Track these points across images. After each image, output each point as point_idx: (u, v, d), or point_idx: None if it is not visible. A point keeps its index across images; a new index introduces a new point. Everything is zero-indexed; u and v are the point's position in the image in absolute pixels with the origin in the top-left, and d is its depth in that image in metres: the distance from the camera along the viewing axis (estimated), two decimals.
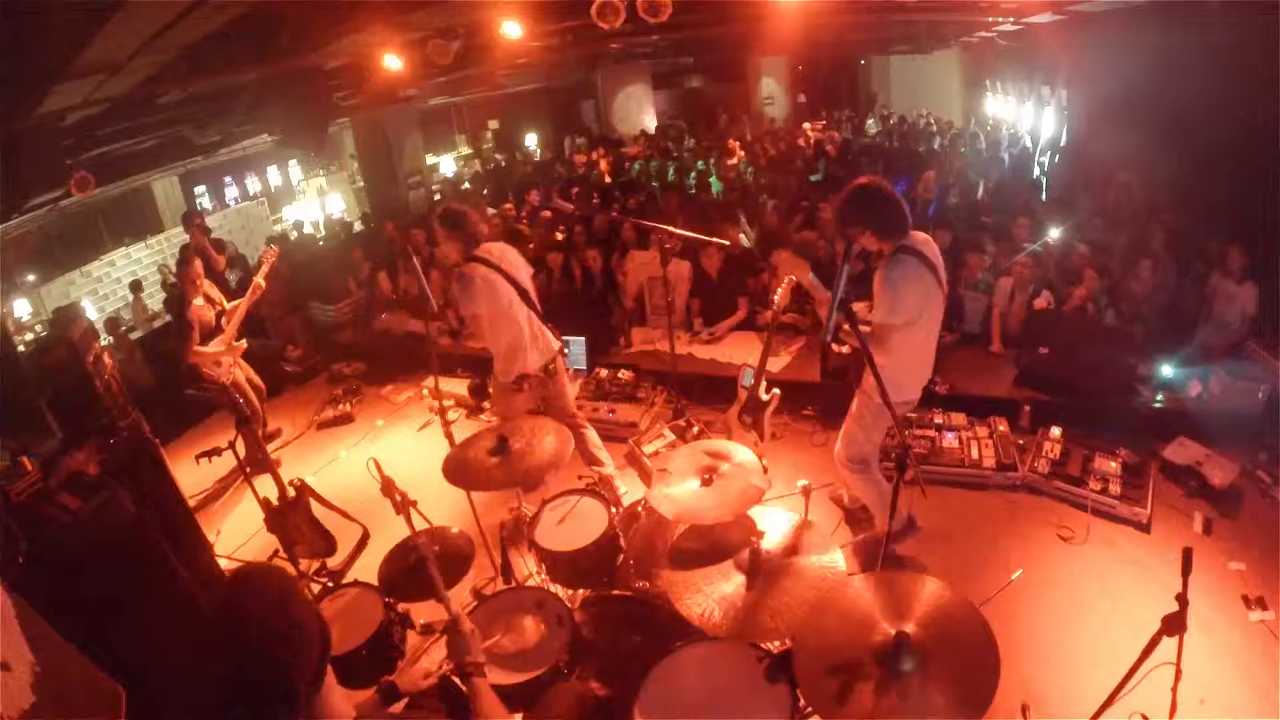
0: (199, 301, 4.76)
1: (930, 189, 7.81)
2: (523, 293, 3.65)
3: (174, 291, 4.89)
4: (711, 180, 9.52)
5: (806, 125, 12.41)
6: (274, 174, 13.62)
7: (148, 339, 8.25)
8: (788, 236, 6.57)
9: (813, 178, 8.82)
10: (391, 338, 6.56)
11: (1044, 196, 7.65)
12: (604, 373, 5.26)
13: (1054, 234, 5.54)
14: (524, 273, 3.75)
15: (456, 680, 2.03)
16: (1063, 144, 8.70)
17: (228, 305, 4.89)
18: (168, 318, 8.12)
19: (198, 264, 4.83)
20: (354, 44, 5.91)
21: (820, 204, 6.74)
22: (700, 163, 10.06)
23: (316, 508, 3.92)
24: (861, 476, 3.44)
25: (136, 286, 9.21)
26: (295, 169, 13.84)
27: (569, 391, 4.05)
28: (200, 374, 4.73)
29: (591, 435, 4.12)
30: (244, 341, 4.94)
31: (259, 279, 4.90)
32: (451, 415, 5.43)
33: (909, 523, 3.67)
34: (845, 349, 3.33)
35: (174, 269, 5.18)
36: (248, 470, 3.92)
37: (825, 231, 6.15)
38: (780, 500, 3.57)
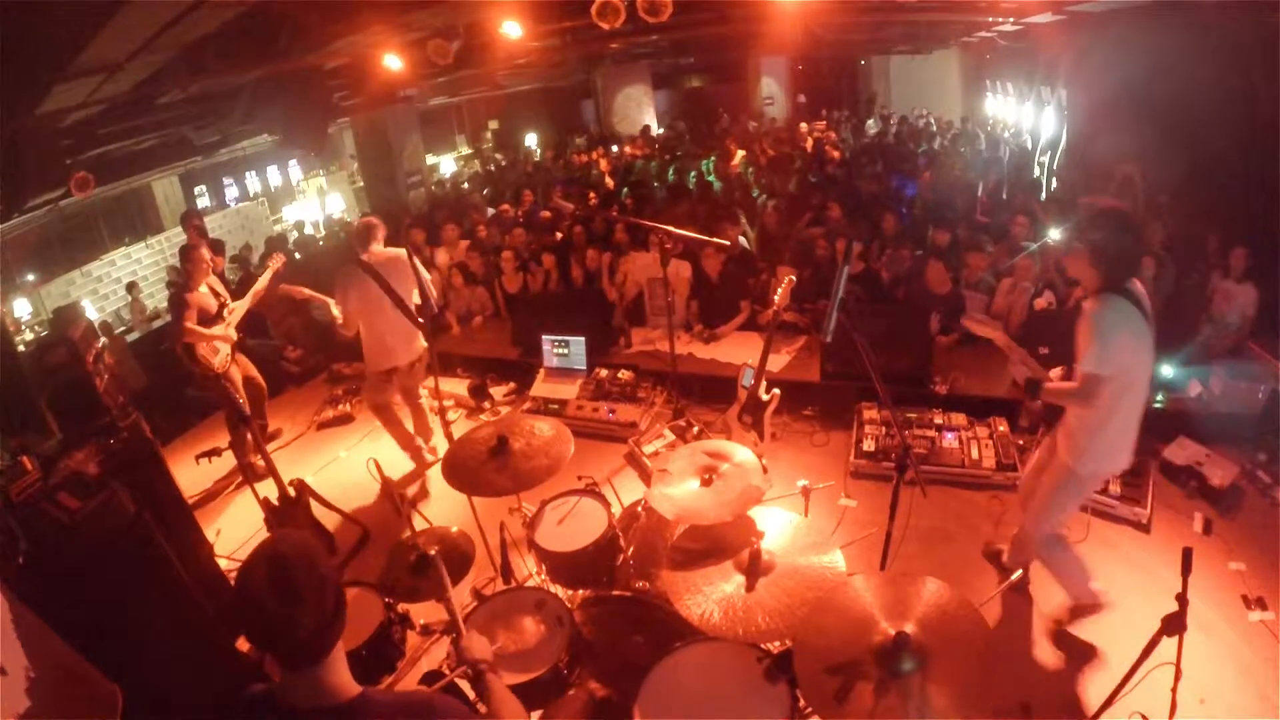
0: (202, 289, 4.75)
1: (928, 189, 7.82)
2: (398, 300, 3.99)
3: (176, 285, 4.86)
4: (711, 180, 9.53)
5: (803, 126, 12.39)
6: (274, 174, 13.63)
7: (145, 339, 8.26)
8: (796, 234, 6.56)
9: (811, 178, 8.83)
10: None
11: (1042, 196, 7.65)
12: (604, 373, 5.26)
13: (1054, 234, 5.53)
14: (407, 282, 4.16)
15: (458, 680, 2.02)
16: (1062, 144, 8.71)
17: (232, 303, 4.88)
18: (168, 318, 8.11)
19: (204, 250, 4.81)
20: (354, 44, 5.91)
21: (830, 204, 6.72)
22: (705, 163, 10.05)
23: (316, 508, 3.93)
24: (1054, 554, 3.02)
25: (132, 286, 9.20)
26: (295, 169, 13.85)
27: (419, 382, 4.73)
28: (195, 356, 4.70)
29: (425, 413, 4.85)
30: (235, 334, 4.90)
31: (260, 284, 4.89)
32: (451, 415, 5.43)
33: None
34: (1037, 403, 2.96)
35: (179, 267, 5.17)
36: (246, 473, 3.92)
37: (832, 231, 6.14)
38: (780, 500, 3.56)
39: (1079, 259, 2.60)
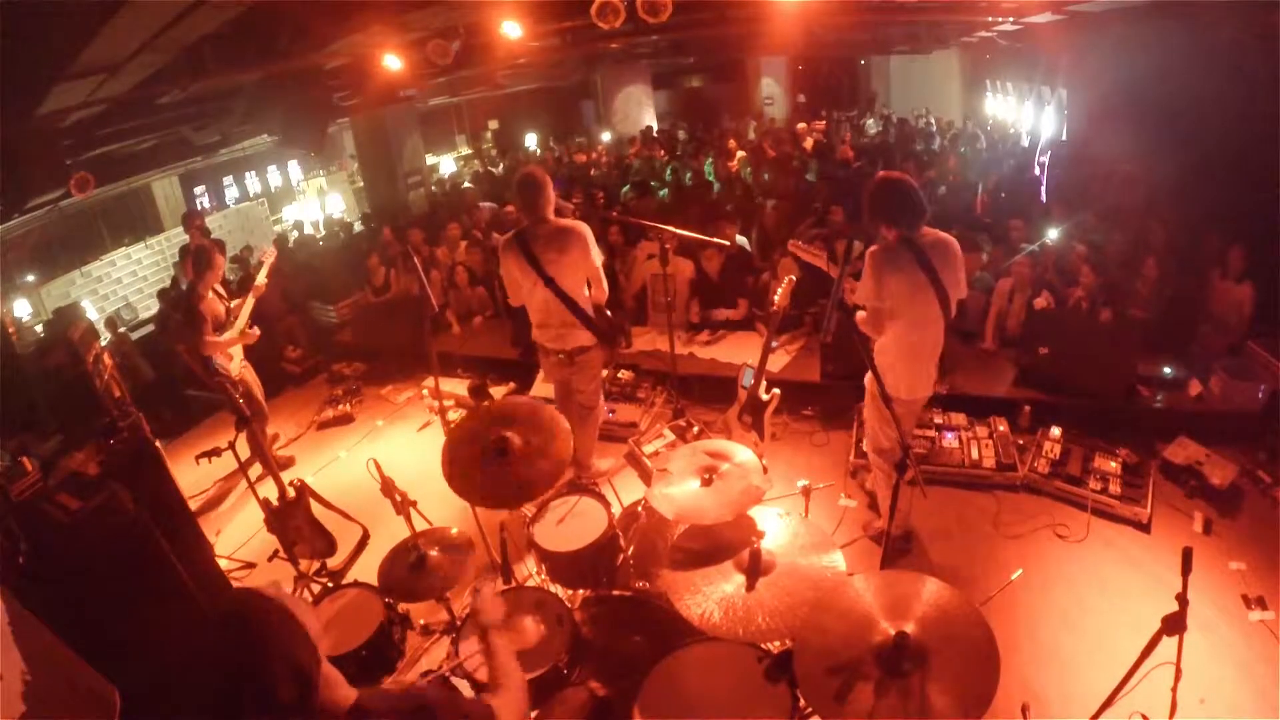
0: (210, 296, 4.74)
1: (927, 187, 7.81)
2: (548, 279, 3.64)
3: (187, 290, 4.83)
4: (712, 180, 9.52)
5: (801, 125, 12.37)
6: (274, 174, 13.62)
7: (149, 336, 8.26)
8: (798, 235, 6.56)
9: (809, 177, 8.81)
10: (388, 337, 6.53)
11: (1043, 196, 7.65)
12: (604, 373, 5.25)
13: (1053, 234, 5.54)
14: (562, 260, 3.63)
15: (454, 680, 2.03)
16: (1062, 144, 8.70)
17: (232, 304, 4.88)
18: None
19: (217, 254, 4.81)
20: (354, 44, 5.92)
21: (831, 205, 6.72)
22: (708, 164, 10.03)
23: (316, 508, 3.92)
24: (883, 471, 3.51)
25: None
26: (295, 169, 13.84)
27: (589, 386, 4.08)
28: (213, 366, 4.70)
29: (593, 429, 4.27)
30: (256, 329, 4.90)
31: (260, 279, 4.89)
32: (451, 415, 5.42)
33: (907, 536, 3.71)
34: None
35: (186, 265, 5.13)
36: (248, 471, 3.91)
37: (831, 231, 6.14)
38: (780, 500, 3.56)
39: (883, 228, 3.09)
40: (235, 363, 4.78)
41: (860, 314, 3.22)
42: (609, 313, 3.95)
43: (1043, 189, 8.00)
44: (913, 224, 3.04)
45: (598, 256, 3.75)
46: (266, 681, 1.26)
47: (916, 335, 3.13)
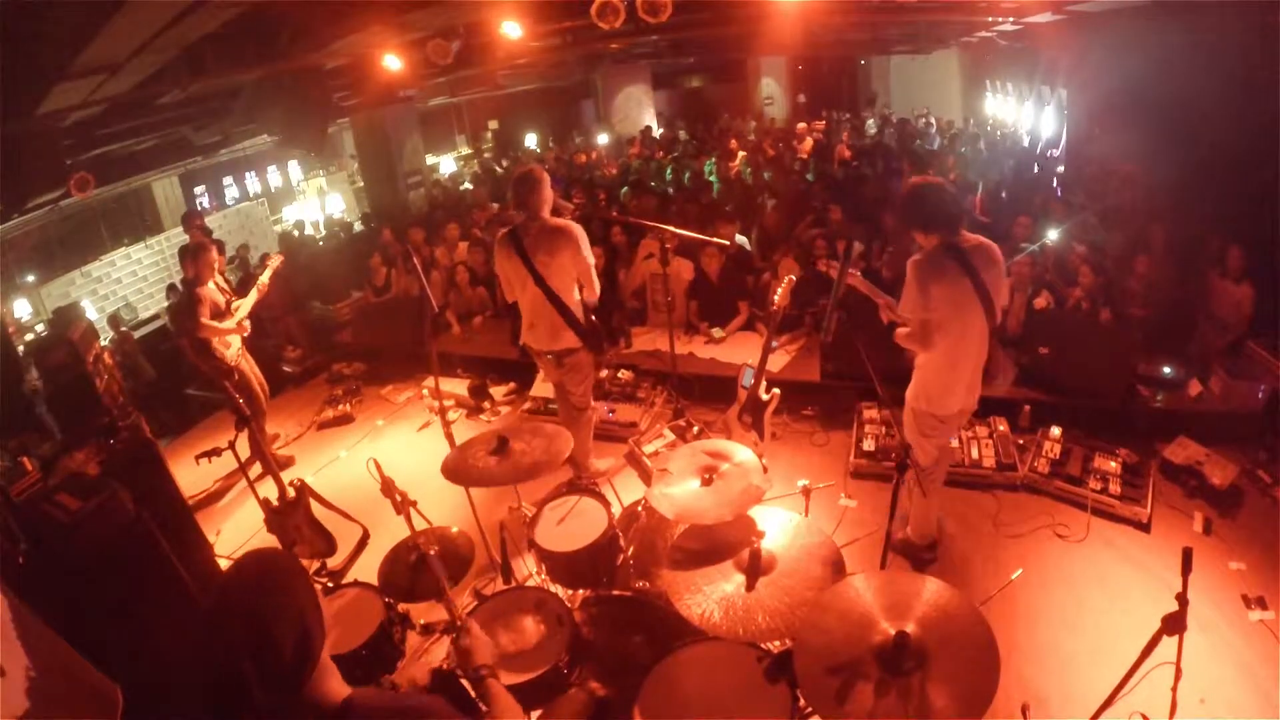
0: (210, 286, 4.76)
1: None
2: (539, 278, 3.65)
3: (185, 283, 4.85)
4: (713, 180, 9.51)
5: (801, 125, 12.37)
6: (274, 174, 13.61)
7: (152, 334, 8.26)
8: (796, 235, 6.57)
9: (808, 176, 8.82)
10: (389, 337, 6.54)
11: (1058, 193, 7.63)
12: (604, 373, 5.25)
13: (1053, 234, 5.54)
14: (552, 261, 3.66)
15: (461, 679, 2.02)
16: (1062, 144, 8.70)
17: (236, 301, 4.90)
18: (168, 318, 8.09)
19: (214, 251, 4.84)
20: (354, 44, 5.92)
21: (830, 205, 6.72)
22: (709, 165, 10.03)
23: (316, 508, 3.92)
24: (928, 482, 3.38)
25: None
26: (295, 169, 13.83)
27: (580, 388, 4.09)
28: (209, 352, 4.72)
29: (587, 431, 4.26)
30: (248, 324, 4.91)
31: (263, 280, 4.90)
32: (451, 415, 5.43)
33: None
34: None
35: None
36: (248, 471, 3.91)
37: (831, 231, 6.14)
38: (780, 500, 3.56)
39: (917, 235, 2.97)
40: (232, 350, 4.82)
41: (902, 330, 3.08)
42: (594, 317, 3.97)
43: (1055, 187, 7.97)
44: (952, 229, 2.89)
45: (590, 257, 3.75)
46: (274, 629, 1.25)
47: (962, 346, 2.98)
